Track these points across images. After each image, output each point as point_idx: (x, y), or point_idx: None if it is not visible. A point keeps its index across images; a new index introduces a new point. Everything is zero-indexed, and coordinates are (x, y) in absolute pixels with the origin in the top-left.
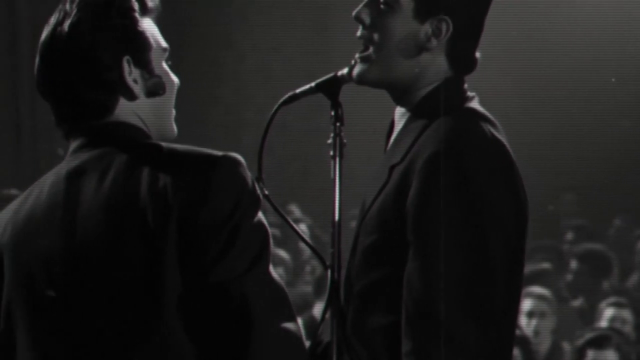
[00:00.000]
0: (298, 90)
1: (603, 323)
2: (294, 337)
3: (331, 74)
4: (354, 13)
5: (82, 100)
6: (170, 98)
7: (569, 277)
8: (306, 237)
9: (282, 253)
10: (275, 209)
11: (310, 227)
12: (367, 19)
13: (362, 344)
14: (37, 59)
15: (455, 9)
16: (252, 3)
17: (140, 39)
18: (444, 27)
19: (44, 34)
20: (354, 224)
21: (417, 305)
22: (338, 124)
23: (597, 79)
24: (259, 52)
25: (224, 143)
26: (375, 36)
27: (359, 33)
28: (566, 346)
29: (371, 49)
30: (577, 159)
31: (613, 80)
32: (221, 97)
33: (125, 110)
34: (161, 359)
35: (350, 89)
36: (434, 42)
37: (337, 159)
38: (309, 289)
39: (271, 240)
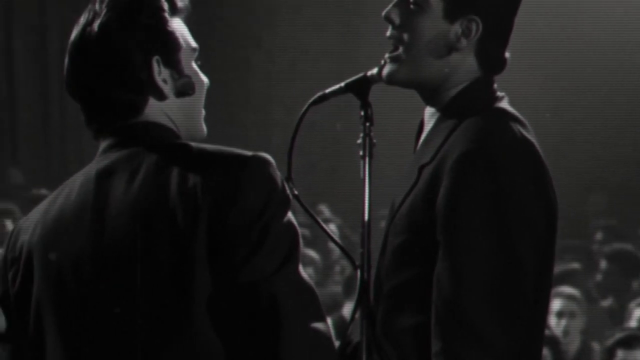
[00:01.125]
0: (327, 91)
1: (633, 323)
2: (324, 337)
3: (361, 74)
4: (383, 13)
5: (111, 101)
6: (199, 98)
7: (599, 277)
8: (336, 237)
9: (312, 253)
10: (305, 209)
11: (339, 227)
12: (396, 19)
13: (392, 344)
14: (66, 59)
15: (485, 9)
16: (281, 3)
17: (170, 39)
18: (473, 27)
19: (74, 34)
20: (383, 224)
21: (446, 306)
22: (367, 124)
23: (628, 79)
24: (288, 52)
25: (254, 143)
26: (405, 36)
27: (388, 33)
28: (595, 346)
29: (401, 49)
30: (607, 159)
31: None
32: (251, 97)
33: (154, 110)
34: (192, 358)
35: (379, 89)
36: (463, 42)
37: (367, 159)
38: (338, 289)
39: (301, 240)
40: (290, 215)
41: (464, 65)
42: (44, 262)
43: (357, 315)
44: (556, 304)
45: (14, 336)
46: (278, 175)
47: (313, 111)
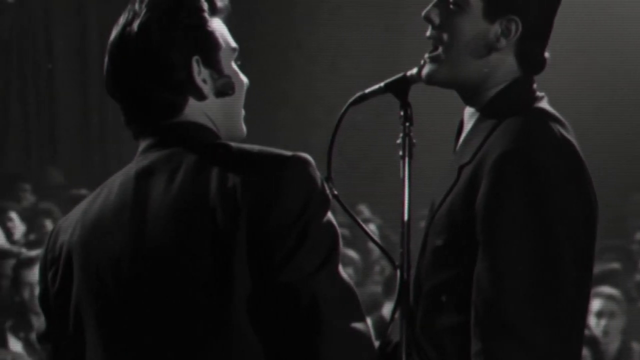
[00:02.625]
0: (367, 91)
1: None
2: (363, 337)
3: (400, 74)
4: (423, 13)
5: (151, 101)
6: (239, 98)
7: (638, 276)
8: (375, 237)
9: (352, 253)
10: (345, 209)
11: (379, 227)
12: (436, 19)
13: (432, 344)
14: (106, 60)
15: (524, 9)
16: (321, 3)
17: (210, 38)
18: (513, 27)
19: (113, 35)
20: (423, 223)
21: (486, 306)
22: (407, 124)
23: None
24: (328, 52)
25: (293, 143)
26: (445, 36)
27: (428, 33)
28: (635, 346)
29: (440, 49)
30: None
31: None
32: (290, 97)
33: (194, 110)
34: (230, 359)
35: (419, 89)
36: (503, 42)
37: (407, 159)
38: (378, 289)
39: (340, 240)
40: (329, 215)
41: (504, 65)
42: (83, 262)
43: (397, 315)
44: (596, 304)
45: (53, 336)
46: (318, 175)
47: (353, 111)
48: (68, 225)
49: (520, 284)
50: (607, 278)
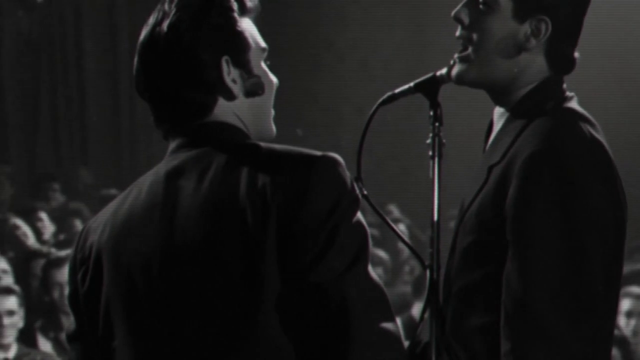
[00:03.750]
0: (397, 91)
1: None
2: (393, 337)
3: (430, 74)
4: (453, 13)
5: (181, 101)
6: (269, 98)
7: None
8: (405, 237)
9: (381, 253)
10: (374, 209)
11: (409, 227)
12: (466, 19)
13: (461, 344)
14: (135, 60)
15: (554, 9)
16: (351, 3)
17: (239, 38)
18: (543, 27)
19: (143, 35)
20: (452, 223)
21: (516, 306)
22: (437, 124)
23: None
24: (358, 52)
25: (323, 143)
26: (474, 36)
27: (458, 33)
28: None
29: (470, 49)
30: None
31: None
32: (320, 97)
33: (224, 110)
34: (259, 358)
35: (449, 89)
36: (533, 42)
37: (436, 159)
38: (407, 288)
39: (370, 240)
40: (359, 215)
41: (533, 65)
42: (113, 262)
43: (427, 315)
44: (625, 304)
45: (83, 336)
46: (347, 175)
47: (382, 111)
48: (98, 225)
49: (550, 284)
50: (637, 278)
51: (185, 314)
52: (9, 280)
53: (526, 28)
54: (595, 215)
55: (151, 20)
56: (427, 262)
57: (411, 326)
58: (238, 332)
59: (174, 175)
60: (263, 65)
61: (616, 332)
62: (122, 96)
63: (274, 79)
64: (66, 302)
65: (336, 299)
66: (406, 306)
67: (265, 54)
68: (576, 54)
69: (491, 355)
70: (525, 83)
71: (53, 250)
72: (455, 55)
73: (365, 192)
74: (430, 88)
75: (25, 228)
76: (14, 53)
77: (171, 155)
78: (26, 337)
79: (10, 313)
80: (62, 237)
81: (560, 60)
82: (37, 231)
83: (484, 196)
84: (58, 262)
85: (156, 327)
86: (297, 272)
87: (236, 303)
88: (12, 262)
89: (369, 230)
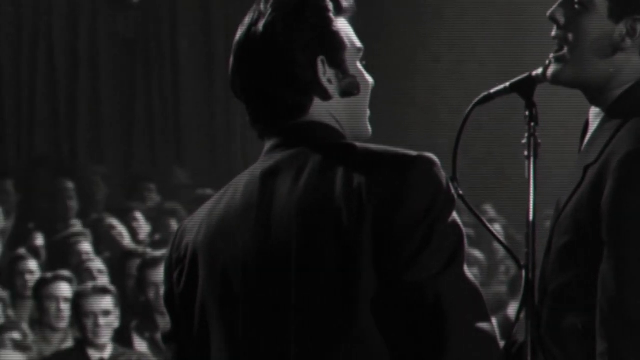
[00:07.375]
0: (492, 91)
1: None
2: (489, 337)
3: (525, 74)
4: (548, 13)
5: (276, 100)
6: (364, 98)
7: None
8: (500, 237)
9: (477, 253)
10: (470, 209)
11: (504, 227)
12: (561, 19)
13: (557, 344)
14: (231, 59)
15: None
16: (447, 3)
17: (335, 38)
18: (638, 27)
19: (239, 34)
20: (548, 223)
21: (611, 306)
22: (533, 124)
23: None
24: (454, 52)
25: (419, 143)
26: (570, 36)
27: (553, 33)
28: None
29: (566, 49)
30: None
31: None
32: (416, 98)
33: (319, 110)
34: (356, 358)
35: (544, 89)
36: (628, 42)
37: (532, 159)
38: (503, 288)
39: (465, 240)
40: (455, 215)
41: (629, 65)
42: (209, 262)
43: (522, 315)
44: None
45: (179, 336)
46: (443, 175)
47: (478, 111)
48: (193, 225)
49: None
50: None
51: (281, 314)
52: (104, 280)
53: (622, 28)
54: None
55: (247, 20)
56: (522, 262)
57: (507, 326)
58: (335, 332)
59: (269, 175)
60: (359, 65)
61: None
62: (217, 96)
63: (369, 79)
64: (162, 302)
65: (431, 299)
66: (502, 306)
67: (361, 54)
68: None
69: (587, 355)
70: (621, 83)
71: (149, 250)
72: (551, 55)
73: (461, 192)
74: (526, 88)
75: (121, 228)
76: (109, 53)
77: (267, 155)
78: (122, 337)
79: (106, 313)
80: (157, 237)
81: None
82: (133, 231)
83: (579, 196)
84: (154, 262)
85: (251, 328)
86: (392, 271)
87: (332, 303)
88: (108, 262)
89: (464, 230)
